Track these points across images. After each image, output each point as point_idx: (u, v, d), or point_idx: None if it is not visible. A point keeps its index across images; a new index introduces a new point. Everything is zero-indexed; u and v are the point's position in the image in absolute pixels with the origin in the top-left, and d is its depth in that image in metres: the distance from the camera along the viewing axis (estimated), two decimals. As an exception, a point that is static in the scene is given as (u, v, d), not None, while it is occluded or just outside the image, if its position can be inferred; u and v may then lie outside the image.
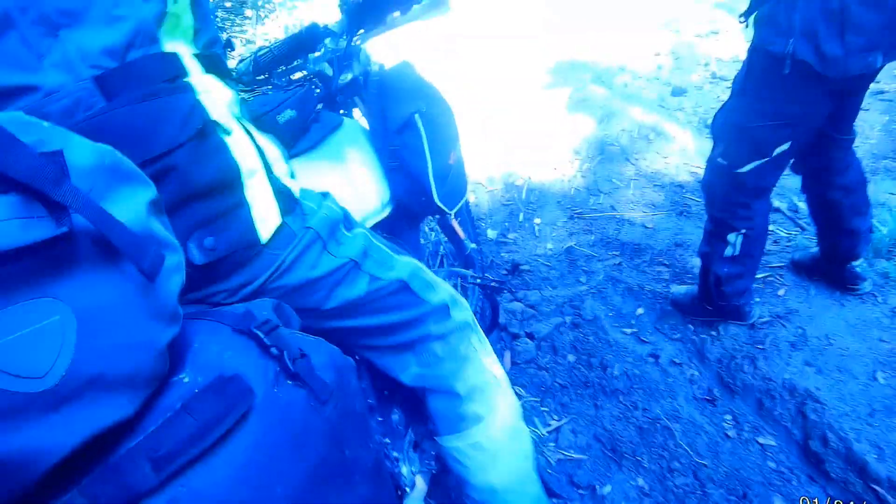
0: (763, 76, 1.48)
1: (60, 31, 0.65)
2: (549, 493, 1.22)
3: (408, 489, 1.19)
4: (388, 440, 1.18)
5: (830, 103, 1.48)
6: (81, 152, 0.52)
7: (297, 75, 1.49)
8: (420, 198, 1.35)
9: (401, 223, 1.47)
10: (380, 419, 1.20)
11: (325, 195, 0.96)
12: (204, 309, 0.74)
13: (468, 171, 3.03)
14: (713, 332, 1.98)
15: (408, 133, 1.33)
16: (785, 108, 1.48)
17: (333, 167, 1.26)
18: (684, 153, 3.01)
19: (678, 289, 2.14)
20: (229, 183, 0.77)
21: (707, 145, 3.08)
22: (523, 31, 5.06)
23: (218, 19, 3.26)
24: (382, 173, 1.37)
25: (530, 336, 2.11)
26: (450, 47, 4.81)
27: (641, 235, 2.51)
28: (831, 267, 1.99)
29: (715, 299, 1.86)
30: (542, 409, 1.89)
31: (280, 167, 0.88)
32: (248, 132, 0.83)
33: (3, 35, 0.64)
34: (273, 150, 0.88)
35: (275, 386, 0.60)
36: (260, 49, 1.43)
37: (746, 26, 1.54)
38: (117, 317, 0.50)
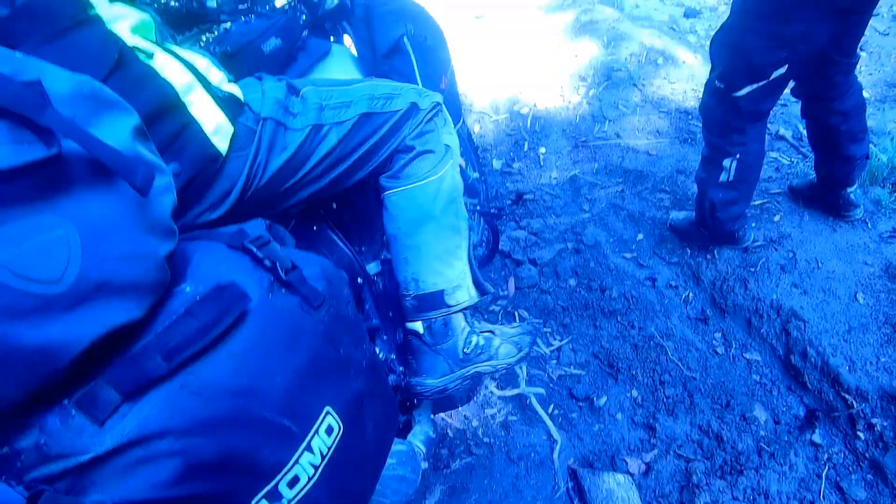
0: None
1: None
2: (478, 285, 1.25)
3: (416, 401, 1.27)
4: (393, 356, 1.25)
5: (832, 22, 1.46)
6: (59, 81, 0.56)
7: (281, 2, 1.47)
8: None
9: None
10: (385, 337, 1.26)
11: (259, 77, 0.99)
12: (199, 232, 0.79)
13: (473, 99, 3.04)
14: (708, 256, 2.07)
15: (396, 57, 1.34)
16: (785, 28, 1.45)
17: None
18: (692, 79, 2.98)
19: (677, 214, 2.21)
20: (169, 104, 0.78)
21: (715, 70, 3.06)
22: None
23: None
24: None
25: (533, 262, 2.22)
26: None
27: (645, 163, 2.55)
28: (826, 193, 2.05)
29: (710, 224, 1.93)
30: (545, 329, 2.03)
31: (215, 75, 0.89)
32: (170, 50, 0.84)
33: None
34: (202, 61, 0.89)
35: (269, 293, 0.67)
36: None
37: None
38: (116, 230, 0.55)
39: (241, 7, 1.38)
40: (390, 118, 1.06)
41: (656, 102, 2.84)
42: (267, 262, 0.69)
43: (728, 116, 1.70)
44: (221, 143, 0.83)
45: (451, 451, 1.67)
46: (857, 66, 1.80)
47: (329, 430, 0.68)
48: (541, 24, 3.61)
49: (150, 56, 0.79)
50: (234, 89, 0.90)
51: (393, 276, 1.24)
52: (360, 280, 1.23)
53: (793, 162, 2.47)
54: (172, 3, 1.26)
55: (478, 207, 1.89)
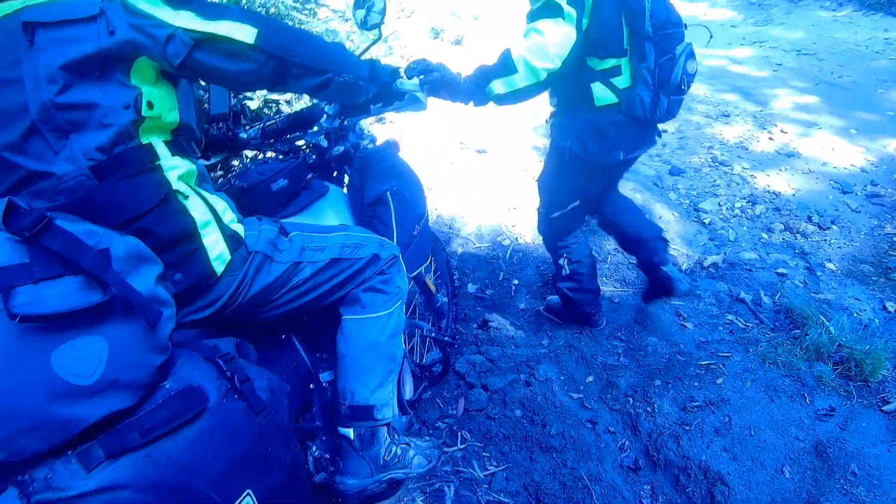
0: (557, 160, 2.13)
1: (70, 135, 0.98)
2: (401, 406, 1.50)
3: (342, 501, 1.40)
4: (327, 455, 1.38)
5: (600, 179, 2.21)
6: (119, 246, 0.87)
7: (300, 142, 1.76)
8: None
9: None
10: (323, 438, 1.40)
11: (259, 219, 1.25)
12: (187, 339, 1.04)
13: (462, 225, 3.27)
14: (649, 408, 2.14)
15: (380, 206, 1.61)
16: (570, 181, 2.17)
17: None
18: (666, 234, 3.20)
19: (552, 298, 2.68)
20: (189, 234, 1.05)
21: (693, 229, 3.29)
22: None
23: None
24: None
25: (485, 387, 2.30)
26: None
27: (607, 308, 2.69)
28: (651, 277, 2.50)
29: (568, 307, 2.50)
30: (484, 454, 2.06)
31: (228, 216, 1.15)
32: (200, 194, 1.12)
33: (32, 137, 0.97)
34: (221, 204, 1.16)
35: (224, 398, 0.91)
36: (268, 119, 1.72)
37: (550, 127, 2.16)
38: (131, 348, 0.83)
39: (267, 141, 1.71)
40: (355, 264, 1.33)
41: (627, 253, 3.04)
42: (228, 374, 0.94)
43: (551, 231, 2.36)
44: (219, 267, 1.08)
45: None
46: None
47: None
48: (536, 166, 3.95)
49: (186, 197, 1.08)
50: (240, 228, 1.16)
51: None
52: (311, 386, 1.41)
53: (747, 326, 2.60)
54: (213, 132, 1.61)
55: (433, 334, 2.04)
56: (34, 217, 0.78)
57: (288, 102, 3.90)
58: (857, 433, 1.96)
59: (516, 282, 2.93)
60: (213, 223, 1.09)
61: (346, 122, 1.70)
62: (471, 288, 2.91)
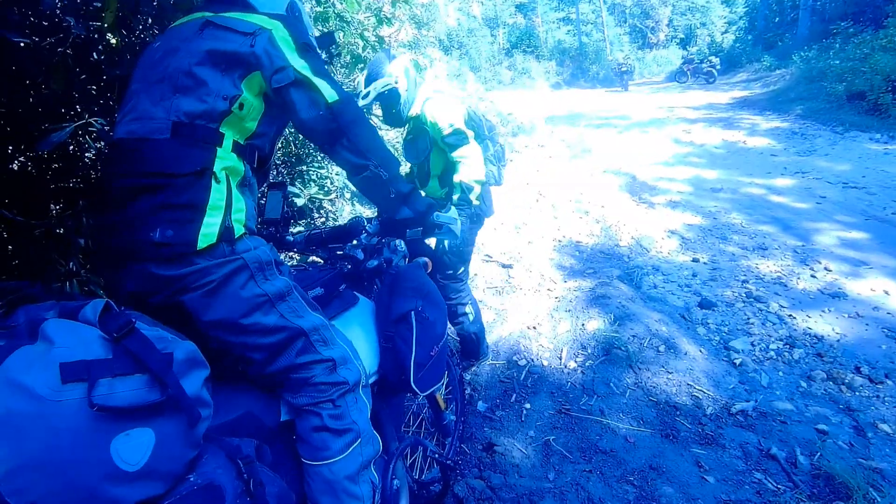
0: (469, 221, 2.71)
1: (177, 94, 1.24)
2: None
3: None
4: None
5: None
6: (180, 351, 1.00)
7: (341, 252, 1.91)
8: (399, 377, 1.62)
9: (390, 390, 1.75)
10: None
11: (264, 242, 1.34)
12: (216, 435, 1.15)
13: (486, 338, 3.21)
14: (658, 576, 1.92)
15: (402, 325, 1.64)
16: (471, 236, 2.88)
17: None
18: (690, 373, 3.04)
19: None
20: (198, 207, 1.20)
21: (721, 369, 3.11)
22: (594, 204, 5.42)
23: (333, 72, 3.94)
24: (376, 350, 1.66)
25: (480, 522, 2.13)
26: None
27: (621, 448, 2.52)
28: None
29: (477, 344, 3.00)
30: None
31: (238, 216, 1.28)
32: (230, 188, 1.27)
33: (160, 85, 1.25)
34: (241, 205, 1.30)
35: (238, 498, 1.02)
36: (314, 228, 1.90)
37: None
38: (172, 442, 0.95)
39: (310, 248, 1.87)
40: (314, 356, 1.35)
41: (648, 389, 2.89)
42: (245, 476, 1.06)
43: (453, 285, 2.85)
44: (202, 241, 1.19)
45: None
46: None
47: None
48: (558, 287, 3.92)
49: (218, 182, 1.28)
50: (238, 229, 1.27)
51: None
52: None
53: (779, 489, 2.35)
54: (264, 233, 1.79)
55: (435, 455, 1.96)
56: (122, 321, 0.94)
57: (332, 202, 4.10)
58: None
59: (528, 406, 2.80)
60: (222, 212, 1.23)
61: (383, 240, 1.87)
62: (481, 406, 2.79)
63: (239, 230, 1.26)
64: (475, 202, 2.63)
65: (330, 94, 1.32)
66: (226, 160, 1.27)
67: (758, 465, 2.48)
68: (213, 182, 1.23)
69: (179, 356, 0.99)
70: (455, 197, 2.63)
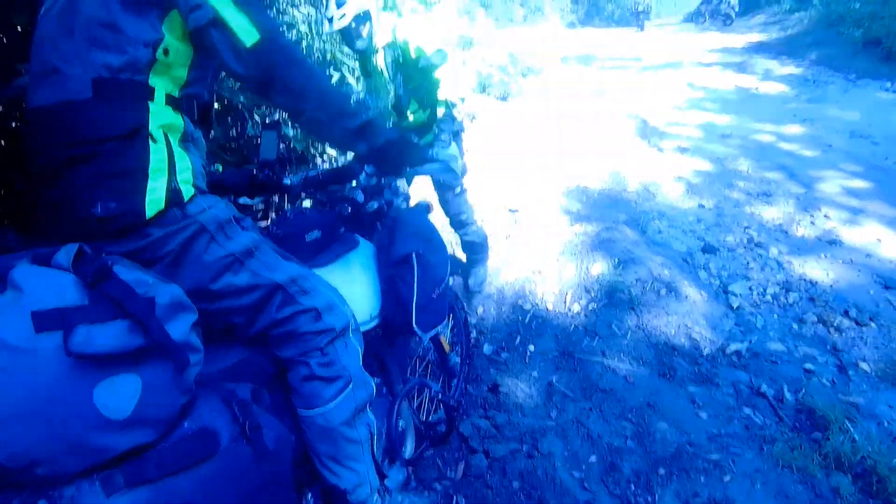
0: None
1: (92, 48, 1.07)
2: (380, 473, 1.51)
3: None
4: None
5: None
6: (164, 294, 0.95)
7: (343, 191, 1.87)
8: (401, 320, 1.65)
9: (393, 333, 1.78)
10: (319, 488, 1.44)
11: (219, 199, 1.25)
12: (209, 380, 1.11)
13: (489, 283, 3.32)
14: (650, 498, 2.10)
15: (404, 267, 1.65)
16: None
17: (341, 280, 1.57)
18: (689, 315, 3.17)
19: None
20: (137, 172, 1.09)
21: (719, 312, 3.23)
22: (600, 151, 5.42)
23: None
24: (377, 292, 1.69)
25: (486, 453, 2.31)
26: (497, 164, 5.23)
27: (620, 387, 2.67)
28: None
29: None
30: (476, 521, 2.07)
31: (185, 176, 1.17)
32: (171, 147, 1.15)
33: (68, 39, 1.07)
34: (185, 164, 1.18)
35: (234, 442, 1.00)
36: (311, 171, 1.83)
37: None
38: (160, 389, 0.93)
39: (308, 190, 1.82)
40: (295, 307, 1.26)
41: (648, 331, 3.02)
42: (240, 419, 1.04)
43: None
44: (150, 210, 1.10)
45: None
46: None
47: None
48: (564, 231, 4.00)
49: (155, 142, 1.14)
50: (187, 190, 1.17)
51: None
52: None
53: (765, 423, 2.52)
54: (260, 176, 1.72)
55: (440, 395, 2.08)
56: (98, 266, 0.91)
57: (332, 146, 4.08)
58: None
59: (532, 348, 2.95)
60: (165, 175, 1.12)
61: (382, 181, 1.82)
62: (486, 349, 2.94)
63: (188, 192, 1.16)
64: (459, 118, 2.67)
65: (249, 34, 1.11)
66: (161, 116, 1.14)
67: (748, 401, 2.64)
68: (150, 143, 1.11)
69: (163, 300, 0.94)
70: (440, 112, 2.69)
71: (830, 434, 2.35)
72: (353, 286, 1.61)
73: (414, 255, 1.64)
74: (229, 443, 0.99)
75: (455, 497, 2.13)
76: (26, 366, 0.80)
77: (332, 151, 3.98)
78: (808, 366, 2.85)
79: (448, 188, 2.97)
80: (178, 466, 0.92)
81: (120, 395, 0.87)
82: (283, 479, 1.10)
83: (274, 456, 1.06)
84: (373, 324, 1.64)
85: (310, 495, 1.42)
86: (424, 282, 1.67)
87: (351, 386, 1.34)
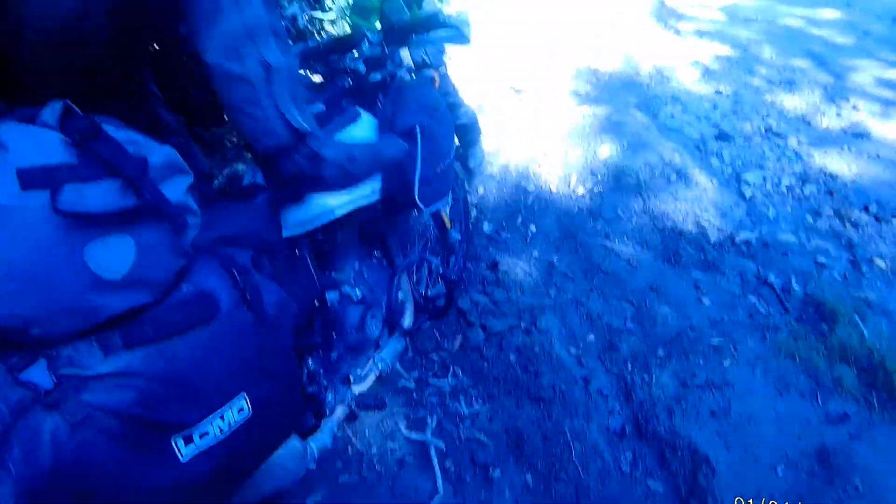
0: None
1: None
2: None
3: (328, 412, 1.48)
4: (321, 370, 1.45)
5: None
6: (157, 155, 0.90)
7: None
8: (404, 194, 1.55)
9: (395, 207, 1.68)
10: (320, 353, 1.48)
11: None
12: (208, 246, 1.06)
13: (488, 162, 3.12)
14: (646, 377, 2.05)
15: (407, 140, 1.53)
16: None
17: None
18: (699, 202, 3.00)
19: None
20: None
21: (730, 200, 3.07)
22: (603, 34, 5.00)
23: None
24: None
25: (484, 328, 2.23)
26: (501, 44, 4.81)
27: (622, 270, 2.56)
28: None
29: None
30: (472, 391, 2.03)
31: None
32: None
33: None
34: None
35: (235, 307, 0.96)
36: (312, 42, 1.71)
37: None
38: (156, 250, 0.88)
39: (308, 63, 1.75)
40: None
41: (655, 216, 2.87)
42: (241, 284, 0.98)
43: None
44: None
45: (344, 465, 1.75)
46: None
47: (240, 410, 0.95)
48: (572, 113, 3.72)
49: None
50: None
51: (345, 310, 1.54)
52: (316, 303, 1.44)
53: (770, 313, 2.44)
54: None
55: (440, 269, 2.01)
56: (86, 124, 0.84)
57: (332, 23, 3.74)
58: (869, 446, 1.82)
59: (534, 228, 2.80)
60: None
61: (386, 51, 1.69)
62: (486, 227, 2.79)
63: None
64: None
65: None
66: None
67: (754, 290, 2.56)
68: None
69: (156, 160, 0.90)
70: None
71: (837, 327, 2.28)
72: None
73: (418, 128, 1.53)
74: (229, 307, 0.95)
75: (452, 367, 2.08)
76: (13, 224, 0.76)
77: (330, 28, 3.66)
78: (821, 259, 2.73)
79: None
80: (177, 329, 0.89)
81: (113, 255, 0.83)
82: (282, 345, 1.07)
83: (274, 322, 1.03)
84: (374, 197, 1.54)
85: (310, 361, 1.40)
86: (428, 155, 1.57)
87: None
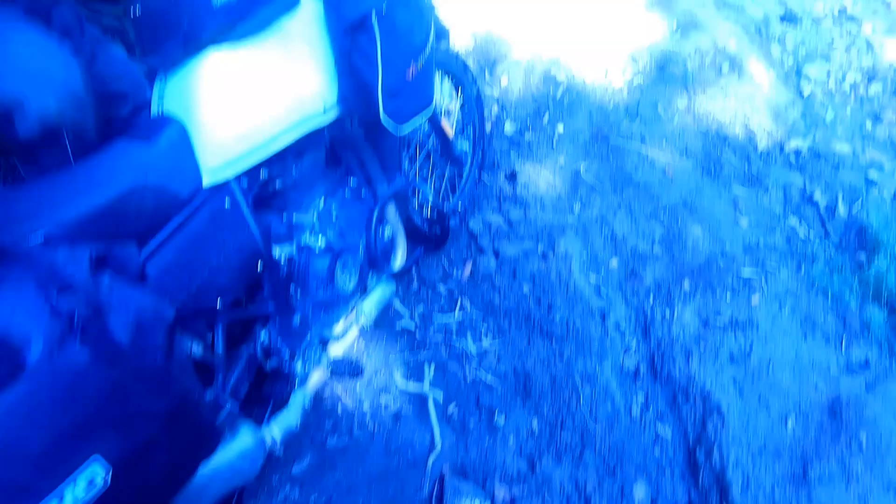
0: None
1: None
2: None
3: (297, 383, 1.31)
4: (281, 339, 1.26)
5: None
6: None
7: None
8: (364, 108, 1.24)
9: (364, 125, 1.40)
10: (277, 321, 1.27)
11: None
12: (28, 252, 0.73)
13: (512, 48, 2.71)
14: (668, 313, 1.96)
15: (361, 34, 1.17)
16: None
17: (276, 56, 1.12)
18: (750, 100, 2.66)
19: None
20: None
21: (786, 98, 2.71)
22: None
23: None
24: (333, 73, 1.22)
25: (496, 254, 2.09)
26: None
27: (656, 182, 2.34)
28: None
29: None
30: (482, 324, 1.95)
31: None
32: None
33: None
34: None
35: (57, 347, 0.66)
36: None
37: None
38: None
39: None
40: None
41: (700, 116, 2.55)
42: (65, 311, 0.67)
43: None
44: None
45: (333, 427, 1.65)
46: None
47: (90, 482, 0.70)
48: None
49: None
50: None
51: (307, 263, 1.24)
52: (259, 267, 1.17)
53: (809, 237, 2.26)
54: None
55: (430, 200, 1.80)
56: None
57: None
58: (882, 399, 1.76)
59: (561, 129, 2.51)
60: None
61: None
62: (508, 128, 2.50)
63: None
64: None
65: None
66: None
67: (796, 209, 2.36)
68: None
69: None
70: None
71: (877, 258, 2.12)
72: (291, 64, 1.15)
73: (374, 15, 1.15)
74: (45, 353, 0.65)
75: (460, 299, 1.97)
76: None
77: None
78: (872, 174, 2.48)
79: None
80: None
81: None
82: (153, 376, 0.77)
83: (130, 351, 0.73)
84: (332, 113, 1.23)
85: (263, 333, 1.22)
86: (392, 55, 1.20)
87: None
